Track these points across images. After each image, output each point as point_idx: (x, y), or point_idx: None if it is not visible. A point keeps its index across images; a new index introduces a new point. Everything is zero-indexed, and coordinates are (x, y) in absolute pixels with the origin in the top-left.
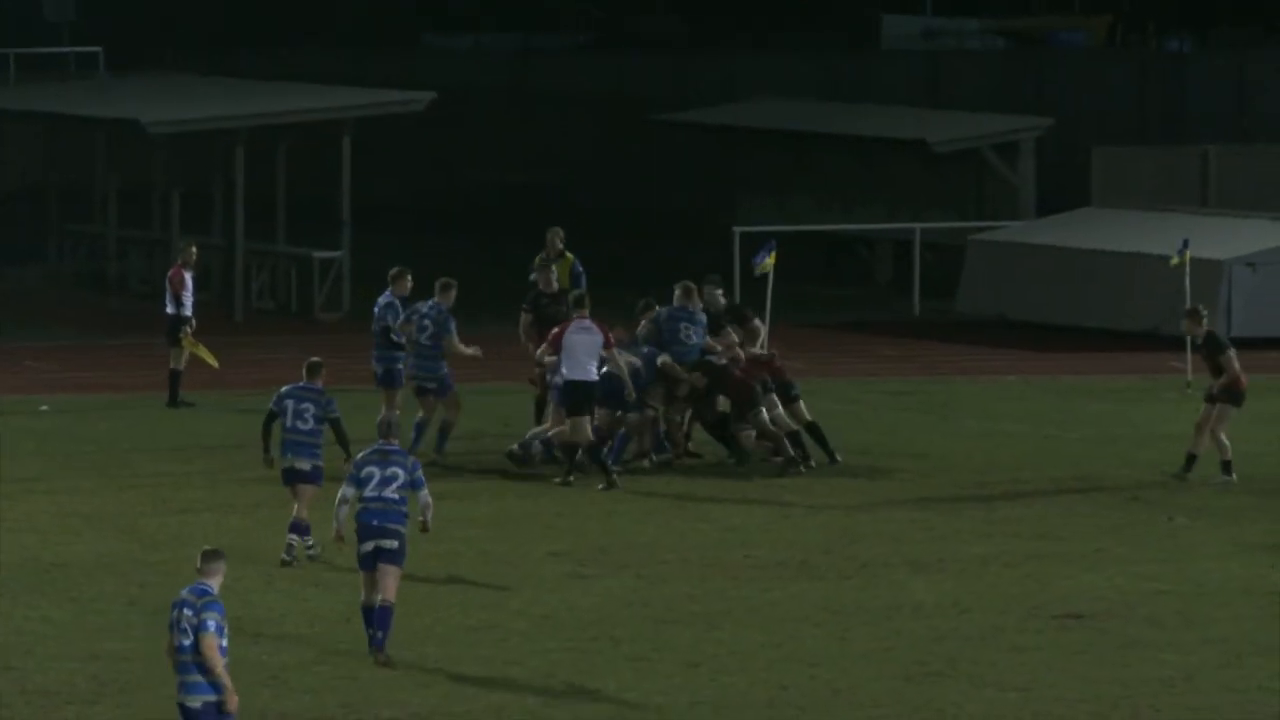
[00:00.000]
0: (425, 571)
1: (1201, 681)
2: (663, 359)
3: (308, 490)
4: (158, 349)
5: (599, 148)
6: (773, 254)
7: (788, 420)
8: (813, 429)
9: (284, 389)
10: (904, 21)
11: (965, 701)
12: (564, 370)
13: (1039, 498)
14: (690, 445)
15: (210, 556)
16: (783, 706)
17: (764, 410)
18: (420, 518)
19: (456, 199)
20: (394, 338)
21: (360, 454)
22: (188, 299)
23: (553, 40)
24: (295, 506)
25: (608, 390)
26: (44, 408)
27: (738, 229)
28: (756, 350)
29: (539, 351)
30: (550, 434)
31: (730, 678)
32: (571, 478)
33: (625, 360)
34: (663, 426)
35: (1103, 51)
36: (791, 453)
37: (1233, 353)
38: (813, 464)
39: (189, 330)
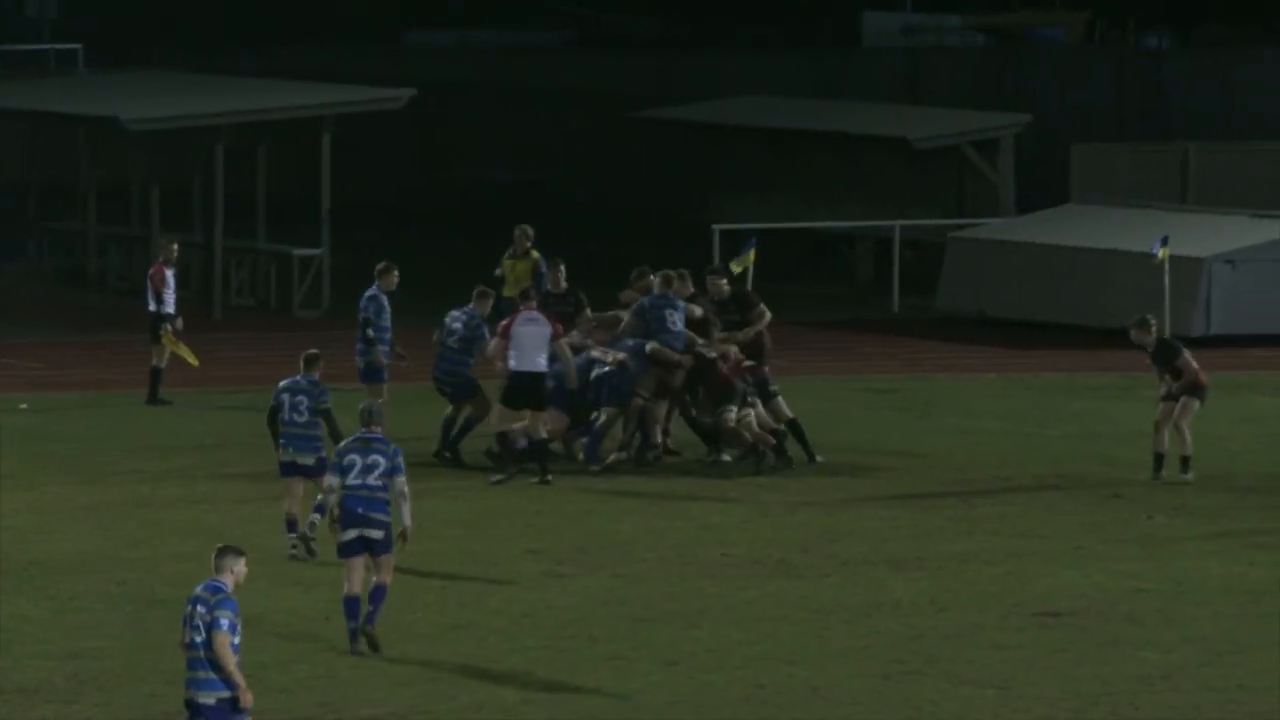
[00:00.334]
0: (404, 569)
1: (1181, 680)
2: (651, 345)
3: (318, 482)
4: (137, 346)
5: (582, 145)
6: (753, 251)
7: (769, 419)
8: (793, 426)
9: (282, 383)
10: (884, 18)
11: (943, 699)
12: (512, 362)
13: (1019, 495)
14: (669, 443)
15: (224, 553)
16: (760, 704)
17: (734, 410)
18: (401, 520)
19: (439, 196)
20: (369, 333)
21: (343, 443)
22: (169, 296)
23: (537, 37)
24: (288, 501)
25: (561, 389)
26: (24, 405)
27: (717, 227)
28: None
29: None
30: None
31: (708, 676)
32: (550, 477)
33: (612, 356)
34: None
35: (1082, 48)
36: (760, 449)
37: (1188, 354)
38: (791, 463)
39: (170, 328)
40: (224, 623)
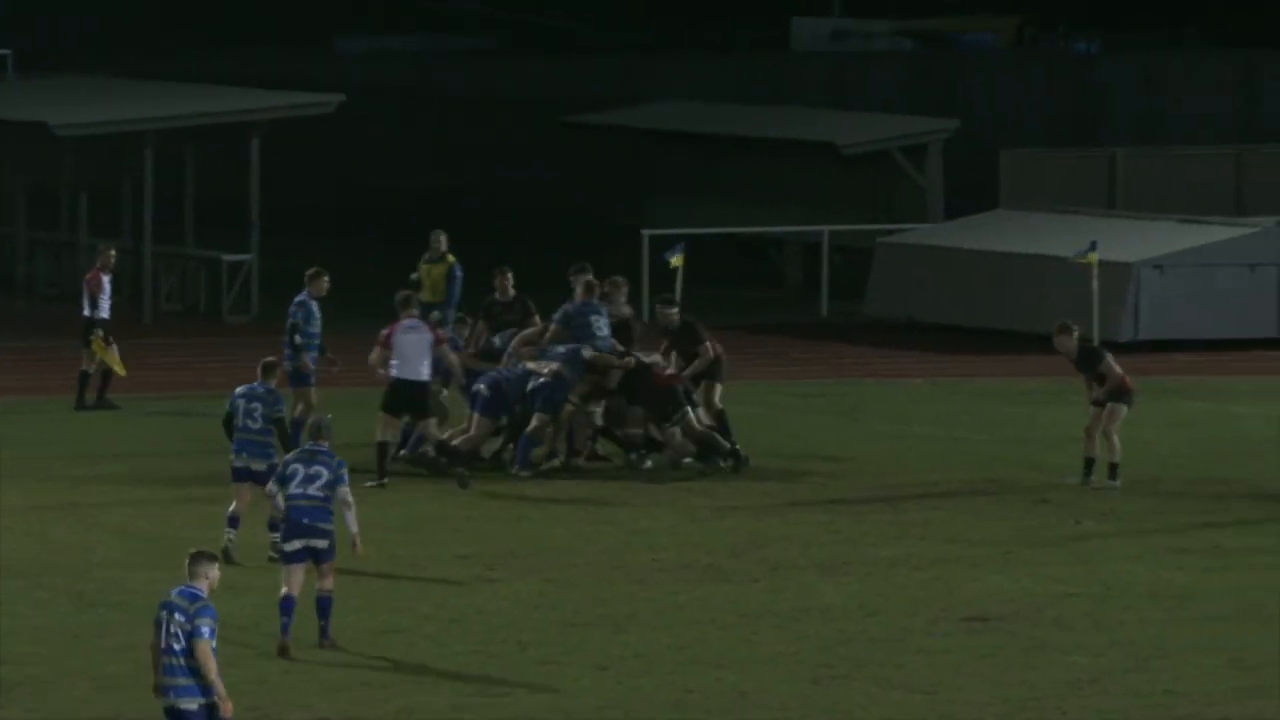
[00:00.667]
0: (335, 573)
1: (1109, 684)
2: (589, 351)
3: (253, 492)
4: (66, 352)
5: (509, 150)
6: (680, 255)
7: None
8: (719, 417)
9: (239, 389)
10: (813, 24)
11: (872, 704)
12: (394, 370)
13: (947, 500)
14: (598, 448)
15: (199, 559)
16: (689, 709)
17: (689, 412)
18: (347, 528)
19: (366, 202)
20: (297, 339)
21: (289, 454)
22: (104, 302)
23: (462, 42)
24: (235, 504)
25: (496, 398)
26: None
27: (647, 232)
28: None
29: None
30: (459, 441)
31: (637, 680)
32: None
33: (548, 367)
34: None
35: (1011, 53)
36: (727, 448)
37: (1110, 359)
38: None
39: (100, 333)
40: (205, 630)
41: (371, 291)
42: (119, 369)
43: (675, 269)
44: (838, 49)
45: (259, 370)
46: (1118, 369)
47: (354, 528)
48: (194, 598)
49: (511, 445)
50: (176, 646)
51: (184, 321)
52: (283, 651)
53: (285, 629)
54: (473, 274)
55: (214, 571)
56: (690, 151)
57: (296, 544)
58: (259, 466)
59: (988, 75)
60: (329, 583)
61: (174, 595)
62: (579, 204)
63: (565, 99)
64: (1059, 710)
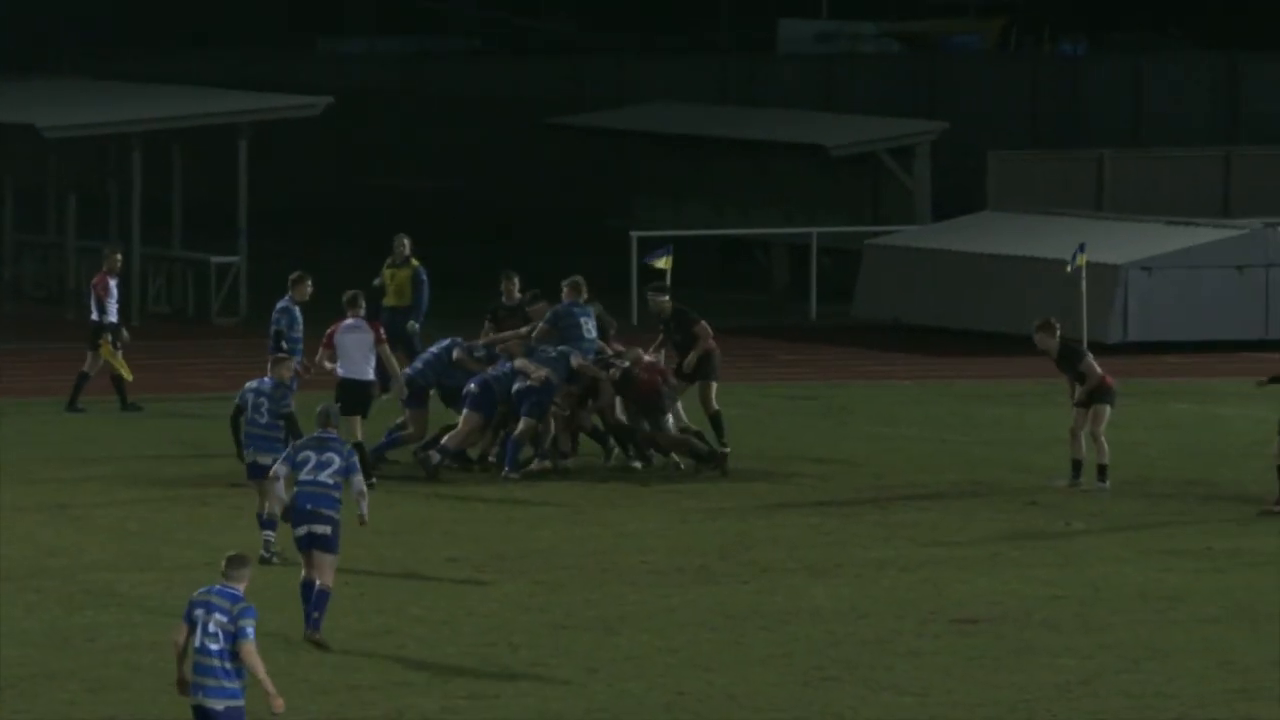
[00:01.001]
0: (334, 571)
1: (1099, 686)
2: (577, 361)
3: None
4: (54, 354)
5: (494, 151)
6: (668, 258)
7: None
8: (714, 419)
9: (249, 383)
10: (799, 25)
11: (861, 706)
12: (340, 370)
13: (936, 502)
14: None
15: (236, 562)
16: (680, 711)
17: (671, 416)
18: (357, 511)
19: (353, 203)
20: (284, 345)
21: (299, 440)
22: (112, 306)
23: (450, 44)
24: (259, 501)
25: (484, 395)
26: None
27: (635, 233)
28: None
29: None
30: (447, 439)
31: (628, 683)
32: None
33: (535, 372)
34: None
35: (997, 55)
36: (706, 449)
37: (1090, 358)
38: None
39: (109, 339)
40: (250, 631)
41: (378, 294)
42: (126, 374)
43: (663, 270)
44: (824, 51)
45: (269, 365)
46: (1098, 369)
47: (365, 511)
48: (235, 598)
49: (499, 447)
50: (214, 647)
51: (172, 324)
52: (319, 645)
53: (310, 621)
54: (467, 276)
55: (250, 573)
56: (678, 153)
57: (301, 529)
58: (265, 461)
59: (974, 77)
60: (328, 579)
61: (212, 595)
62: (567, 205)
63: (553, 100)
64: (1049, 712)
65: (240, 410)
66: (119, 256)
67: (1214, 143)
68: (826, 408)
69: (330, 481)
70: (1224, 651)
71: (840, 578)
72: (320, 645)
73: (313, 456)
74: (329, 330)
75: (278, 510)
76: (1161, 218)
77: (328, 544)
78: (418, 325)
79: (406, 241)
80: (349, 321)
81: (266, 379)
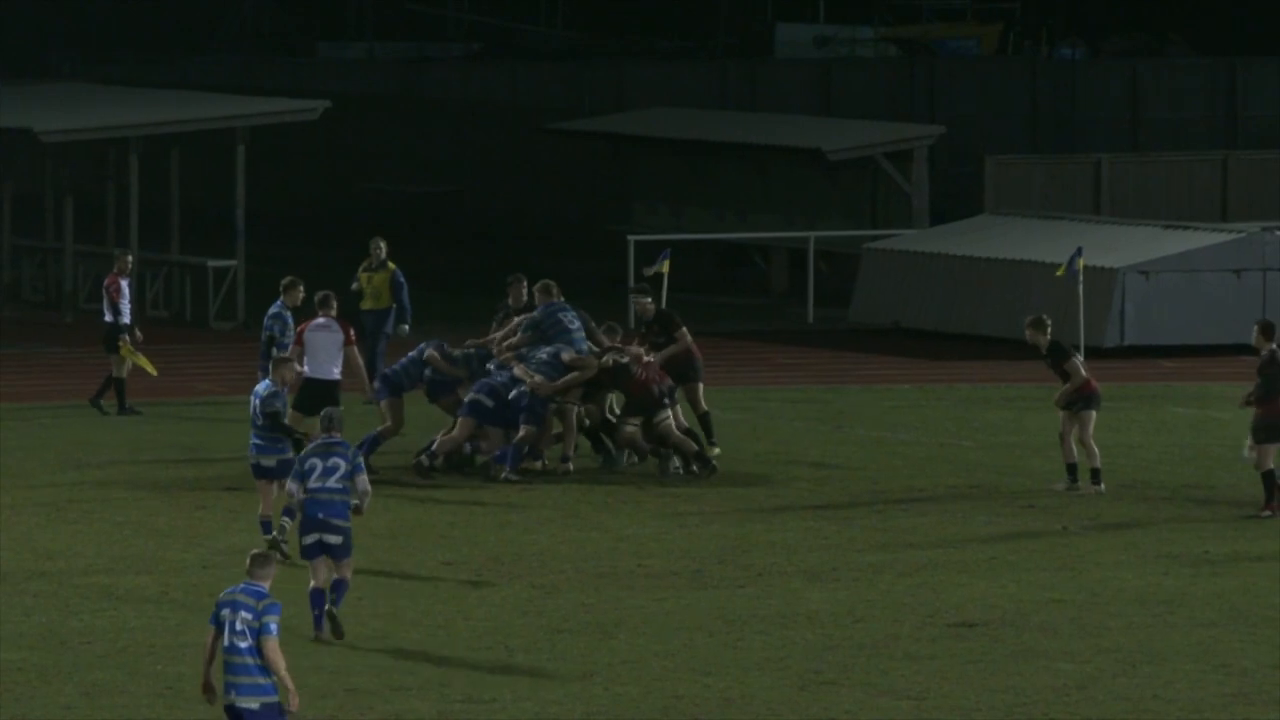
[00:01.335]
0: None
1: (1096, 690)
2: (567, 354)
3: (272, 488)
4: (50, 358)
5: (492, 156)
6: (666, 261)
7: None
8: (703, 420)
9: (256, 387)
10: (797, 30)
11: (859, 710)
12: (307, 368)
13: (933, 506)
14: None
15: (261, 560)
16: (676, 715)
17: (669, 418)
18: (354, 501)
19: (351, 208)
20: (275, 350)
21: (305, 449)
22: (125, 307)
23: (447, 49)
24: (261, 504)
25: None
26: None
27: (632, 238)
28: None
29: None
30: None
31: (624, 687)
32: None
33: (530, 378)
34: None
35: (995, 59)
36: (692, 453)
37: (1077, 359)
38: (715, 471)
39: (127, 339)
40: (274, 627)
41: (355, 298)
42: (151, 369)
43: (661, 275)
44: (822, 55)
45: (270, 368)
46: (1082, 370)
47: (365, 504)
48: (260, 595)
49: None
50: (243, 645)
51: (169, 328)
52: (334, 620)
53: (318, 622)
54: (465, 280)
55: (275, 571)
56: (676, 158)
57: (311, 538)
58: (268, 462)
59: (972, 82)
60: (347, 573)
61: (238, 594)
62: (565, 210)
63: (552, 105)
64: (1046, 716)
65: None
66: (129, 258)
67: (1211, 147)
68: (824, 412)
69: (339, 487)
70: (1221, 655)
71: (837, 582)
72: (336, 623)
73: (319, 464)
74: (298, 329)
75: (269, 512)
76: (1159, 222)
77: (339, 551)
78: (406, 328)
79: (383, 244)
80: (319, 320)
81: (266, 381)
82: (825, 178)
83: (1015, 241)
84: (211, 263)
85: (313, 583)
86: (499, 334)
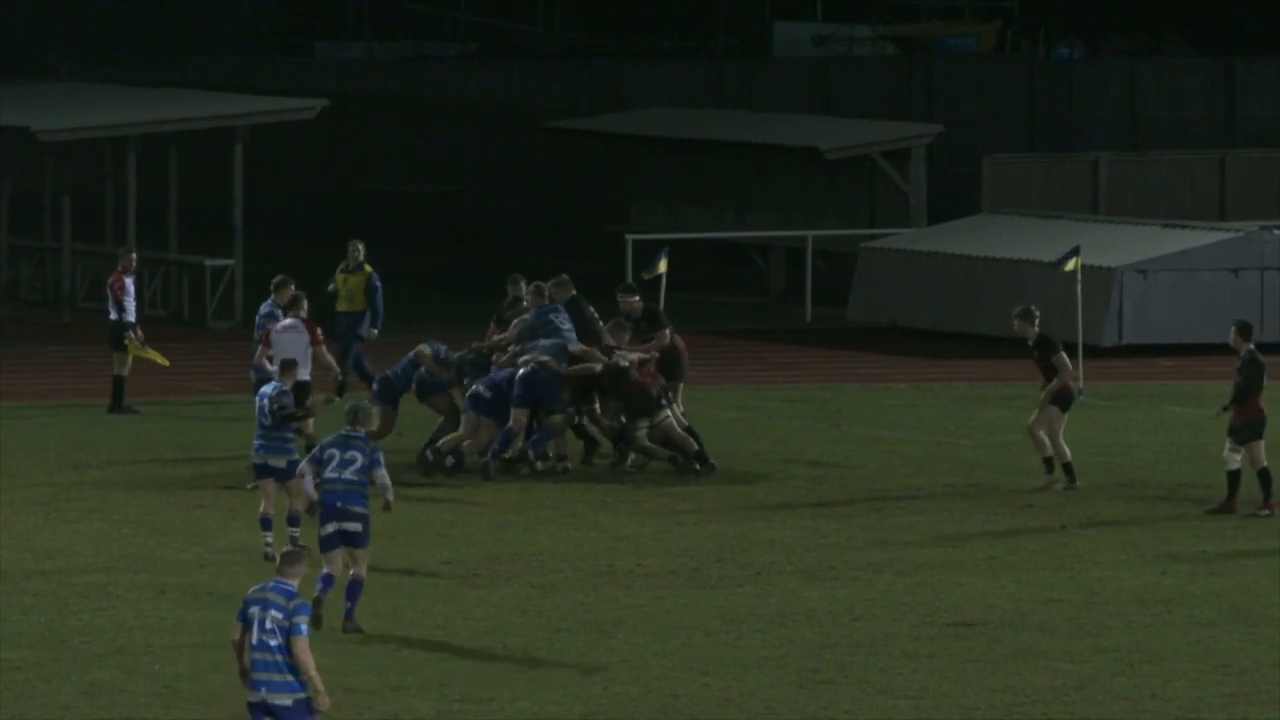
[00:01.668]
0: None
1: (1094, 690)
2: (577, 347)
3: (290, 485)
4: (48, 357)
5: (490, 156)
6: (664, 260)
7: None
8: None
9: (264, 388)
10: (795, 28)
11: (857, 709)
12: (274, 368)
13: (931, 505)
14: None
15: (291, 558)
16: (675, 715)
17: (669, 417)
18: (383, 497)
19: (348, 207)
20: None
21: (325, 439)
22: (130, 304)
23: (445, 48)
24: (263, 504)
25: (497, 400)
26: None
27: (630, 237)
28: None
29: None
30: (465, 444)
31: (623, 686)
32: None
33: (539, 358)
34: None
35: (993, 58)
36: (693, 452)
37: (1064, 354)
38: (714, 469)
39: (132, 336)
40: (304, 627)
41: (332, 299)
42: (162, 361)
43: (659, 275)
44: (820, 54)
45: (278, 367)
46: (1068, 365)
47: (390, 497)
48: (290, 595)
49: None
50: (273, 643)
51: (167, 327)
52: (316, 622)
53: (320, 602)
54: (464, 279)
55: (304, 569)
56: (674, 157)
57: (330, 527)
58: (277, 463)
59: (970, 80)
60: (362, 570)
61: (268, 591)
62: (563, 210)
63: (550, 105)
64: (1045, 716)
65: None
66: (134, 255)
67: (1210, 146)
68: (822, 410)
69: (355, 479)
70: (1220, 654)
71: (836, 580)
72: (357, 630)
73: (336, 454)
74: (266, 330)
75: (300, 507)
76: (1157, 221)
77: (358, 540)
78: (375, 331)
79: (360, 247)
80: (287, 322)
81: (276, 381)
82: (823, 177)
83: (1013, 241)
84: (209, 262)
85: (326, 569)
86: (497, 338)
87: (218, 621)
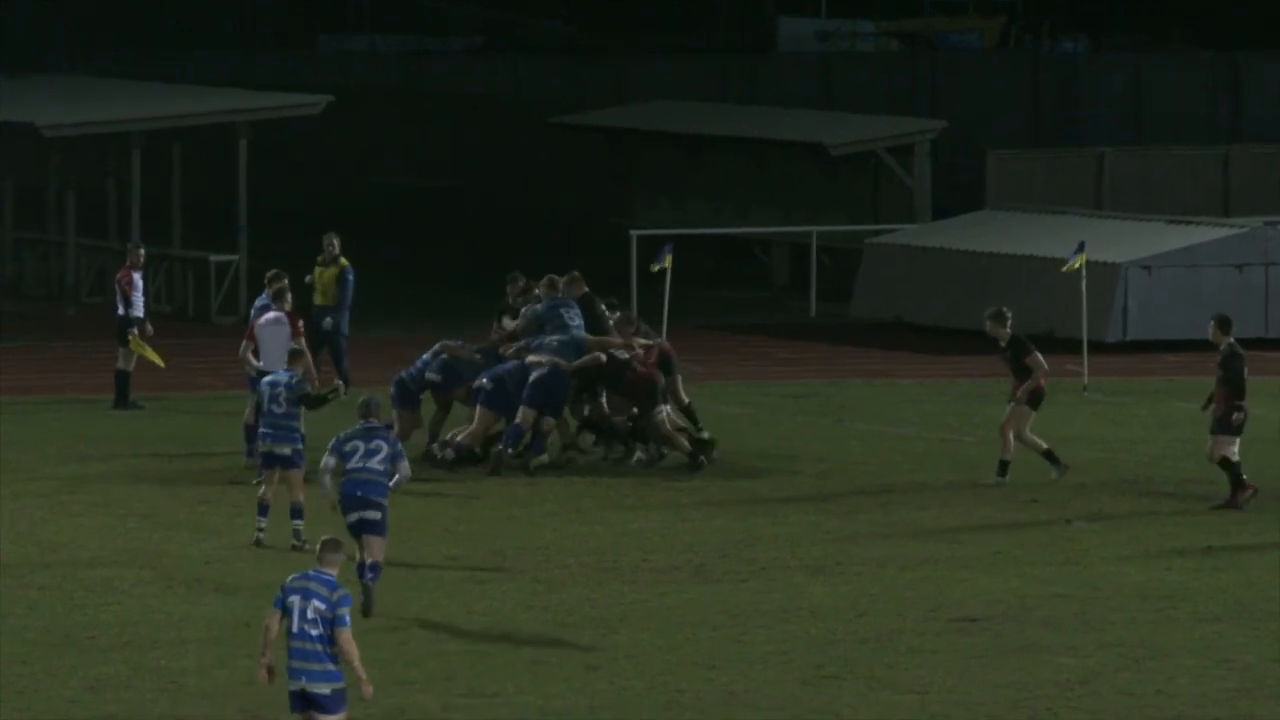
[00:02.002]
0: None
1: (1099, 685)
2: (589, 337)
3: (291, 475)
4: (53, 351)
5: (493, 151)
6: (669, 256)
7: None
8: (688, 411)
9: (266, 378)
10: (799, 24)
11: (862, 704)
12: (260, 362)
13: (935, 500)
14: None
15: (331, 546)
16: (680, 709)
17: (662, 410)
18: (392, 481)
19: (352, 202)
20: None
21: (345, 432)
22: (138, 299)
23: (448, 43)
24: (263, 488)
25: (498, 392)
26: None
27: (635, 232)
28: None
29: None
30: (462, 436)
31: (627, 681)
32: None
33: (545, 357)
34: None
35: (996, 53)
36: (691, 449)
37: (1039, 354)
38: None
39: (136, 332)
40: (348, 619)
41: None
42: (158, 361)
43: (664, 270)
44: (824, 49)
45: (285, 357)
46: (1044, 365)
47: (401, 481)
48: (332, 585)
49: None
50: (314, 632)
51: (172, 323)
52: (366, 610)
53: (368, 590)
54: (464, 275)
55: (343, 559)
56: (677, 152)
57: (353, 516)
58: (283, 450)
59: (974, 76)
60: (378, 555)
61: (310, 581)
62: (566, 204)
63: (553, 99)
64: (1049, 711)
65: (260, 403)
66: (141, 251)
67: (1214, 141)
68: (826, 406)
69: (380, 468)
70: (1224, 650)
71: (840, 576)
72: (369, 597)
73: (361, 445)
74: (251, 322)
75: (301, 498)
76: (1161, 216)
77: (377, 528)
78: (334, 321)
79: (336, 240)
80: (271, 315)
81: (283, 371)
82: (826, 172)
83: (1017, 236)
84: (213, 257)
85: (359, 556)
86: (504, 332)
87: (223, 616)
